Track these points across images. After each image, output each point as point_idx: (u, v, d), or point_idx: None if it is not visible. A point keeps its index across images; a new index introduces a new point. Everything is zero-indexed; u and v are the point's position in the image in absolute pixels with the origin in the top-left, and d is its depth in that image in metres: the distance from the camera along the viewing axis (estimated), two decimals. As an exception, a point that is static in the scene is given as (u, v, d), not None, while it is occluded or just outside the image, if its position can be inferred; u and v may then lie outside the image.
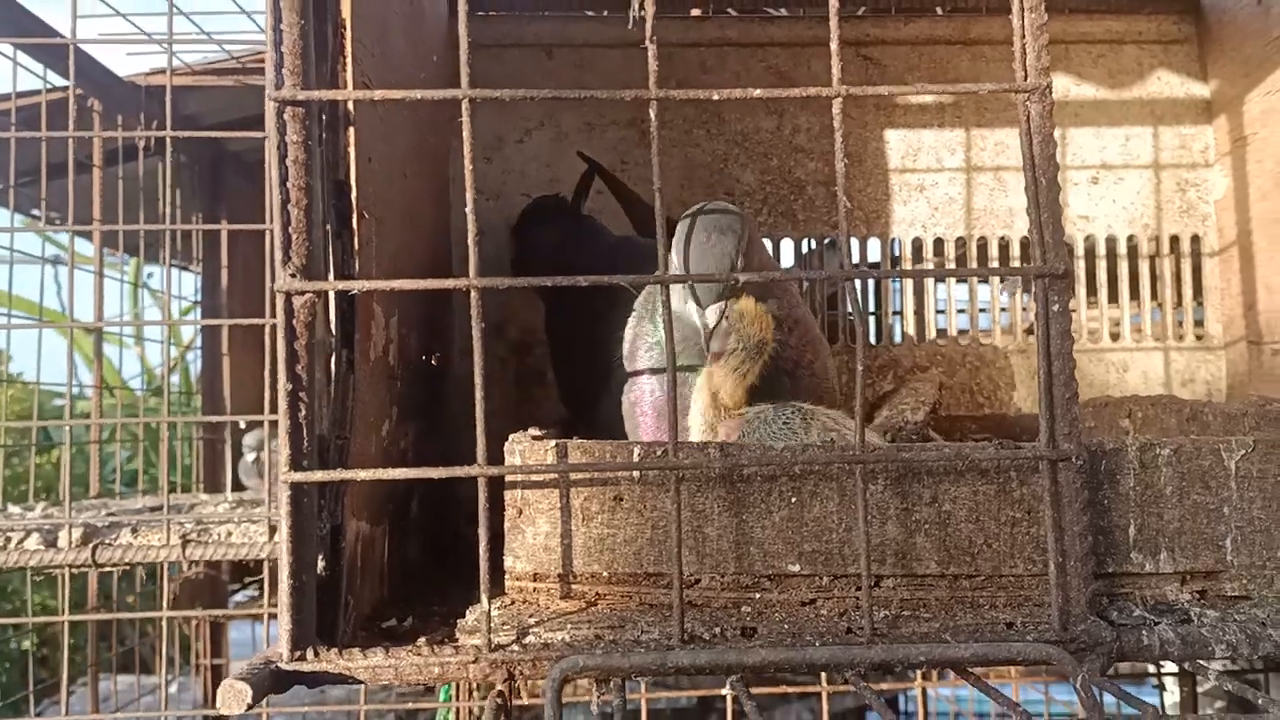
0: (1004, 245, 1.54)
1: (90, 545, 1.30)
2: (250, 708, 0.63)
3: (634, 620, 0.73)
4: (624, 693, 0.71)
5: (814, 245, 1.59)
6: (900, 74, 1.54)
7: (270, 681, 0.67)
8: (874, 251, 1.60)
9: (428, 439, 1.10)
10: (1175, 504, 0.78)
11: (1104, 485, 0.77)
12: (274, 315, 0.70)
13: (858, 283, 1.47)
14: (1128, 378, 1.51)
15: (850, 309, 1.55)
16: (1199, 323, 1.54)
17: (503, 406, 1.40)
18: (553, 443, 0.76)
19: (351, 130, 0.79)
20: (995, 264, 1.53)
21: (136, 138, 1.85)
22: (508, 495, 0.77)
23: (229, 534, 1.33)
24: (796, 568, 0.76)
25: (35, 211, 2.13)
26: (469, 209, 0.70)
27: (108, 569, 1.34)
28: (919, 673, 1.70)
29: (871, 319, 1.58)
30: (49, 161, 1.65)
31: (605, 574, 0.77)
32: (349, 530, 0.76)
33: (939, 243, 1.54)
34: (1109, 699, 0.72)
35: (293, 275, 0.69)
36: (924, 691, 1.88)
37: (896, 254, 1.56)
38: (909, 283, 1.52)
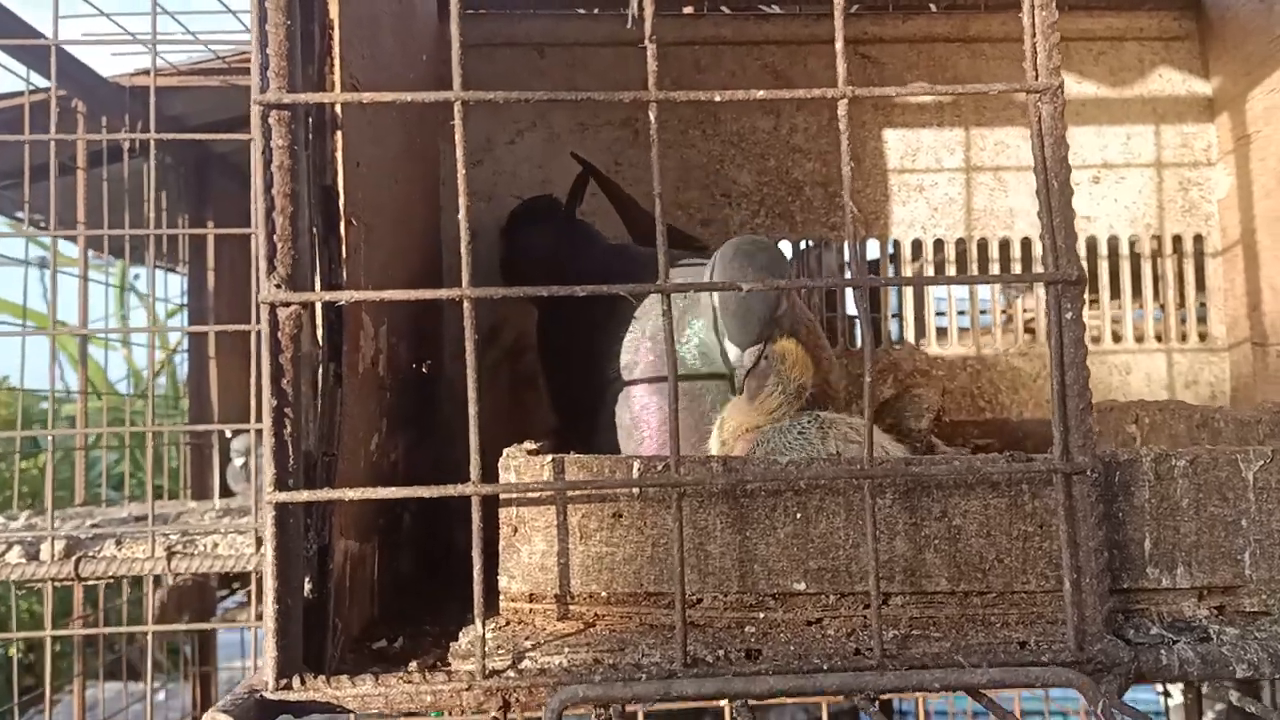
0: (1004, 246, 1.52)
1: (73, 558, 1.27)
2: (235, 739, 0.60)
3: (634, 642, 0.71)
4: (624, 714, 0.68)
5: (809, 245, 1.56)
6: (899, 72, 1.51)
7: (255, 712, 0.64)
8: (873, 253, 1.57)
9: (419, 449, 1.07)
10: (1192, 516, 0.75)
11: (1118, 498, 0.75)
12: (260, 321, 0.67)
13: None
14: (1130, 380, 1.49)
15: (858, 316, 1.53)
16: (1201, 318, 1.52)
17: (497, 411, 1.37)
18: (549, 458, 0.73)
19: (339, 134, 0.76)
20: (995, 264, 1.51)
21: (120, 139, 1.82)
22: (502, 513, 0.74)
23: (215, 545, 1.30)
24: (802, 586, 0.74)
25: (20, 214, 2.10)
26: (462, 216, 0.67)
27: (91, 582, 1.31)
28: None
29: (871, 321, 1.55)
30: (33, 163, 1.62)
31: (604, 594, 0.74)
32: (337, 550, 0.73)
33: (939, 244, 1.52)
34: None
35: (278, 286, 0.66)
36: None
37: (893, 252, 1.53)
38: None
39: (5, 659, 2.30)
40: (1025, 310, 1.66)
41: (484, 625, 0.67)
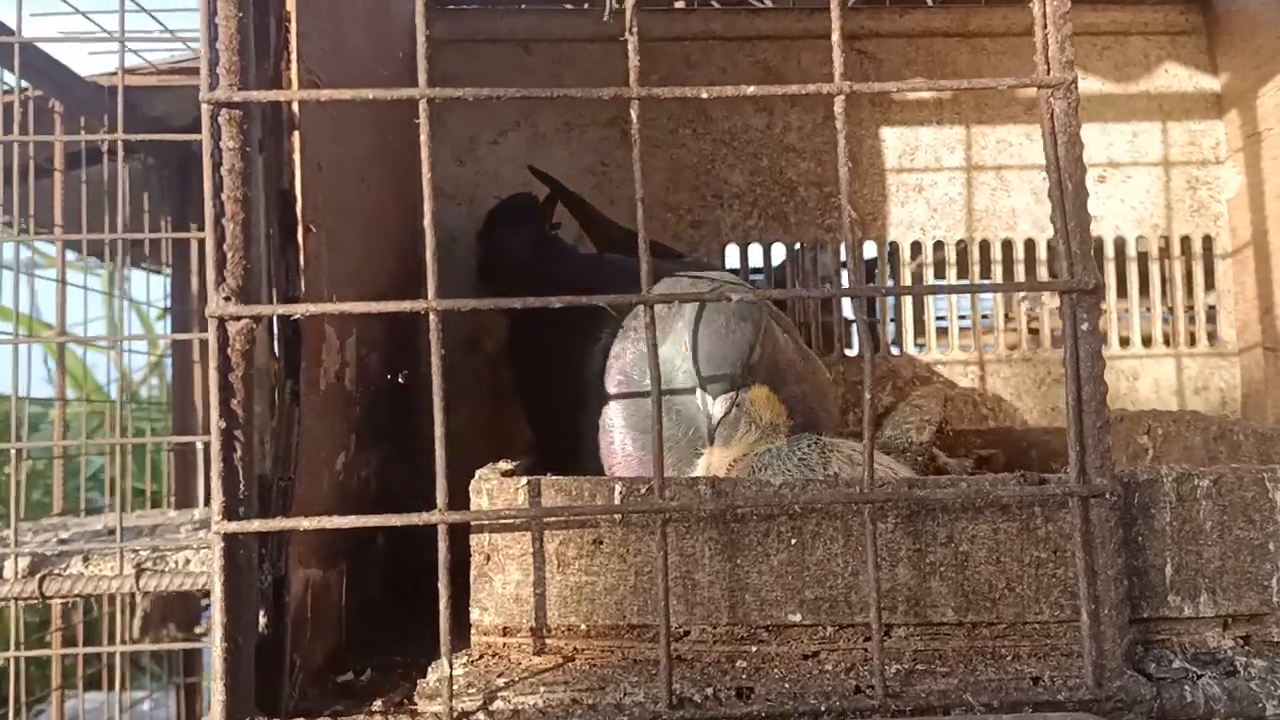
0: (1007, 247, 1.46)
1: (38, 576, 1.22)
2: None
3: (615, 679, 0.66)
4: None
5: (801, 246, 1.51)
6: (897, 68, 1.46)
7: (202, 762, 0.59)
8: (869, 253, 1.52)
9: (396, 462, 1.02)
10: (1216, 540, 0.70)
11: (1137, 520, 0.70)
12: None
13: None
14: (1139, 386, 1.44)
15: (855, 323, 1.48)
16: (1210, 320, 1.47)
17: (477, 423, 1.31)
18: (524, 481, 0.68)
19: (296, 134, 0.70)
20: (997, 266, 1.46)
21: (98, 140, 1.77)
22: (474, 540, 0.69)
23: (187, 561, 1.25)
24: (797, 617, 0.69)
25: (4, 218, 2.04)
26: (428, 222, 0.62)
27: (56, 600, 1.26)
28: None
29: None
30: (10, 165, 1.56)
31: (583, 626, 0.69)
32: (295, 580, 0.68)
33: (939, 245, 1.46)
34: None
35: (227, 299, 0.61)
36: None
37: (890, 253, 1.48)
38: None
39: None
40: (1029, 312, 1.61)
41: (451, 664, 0.62)
